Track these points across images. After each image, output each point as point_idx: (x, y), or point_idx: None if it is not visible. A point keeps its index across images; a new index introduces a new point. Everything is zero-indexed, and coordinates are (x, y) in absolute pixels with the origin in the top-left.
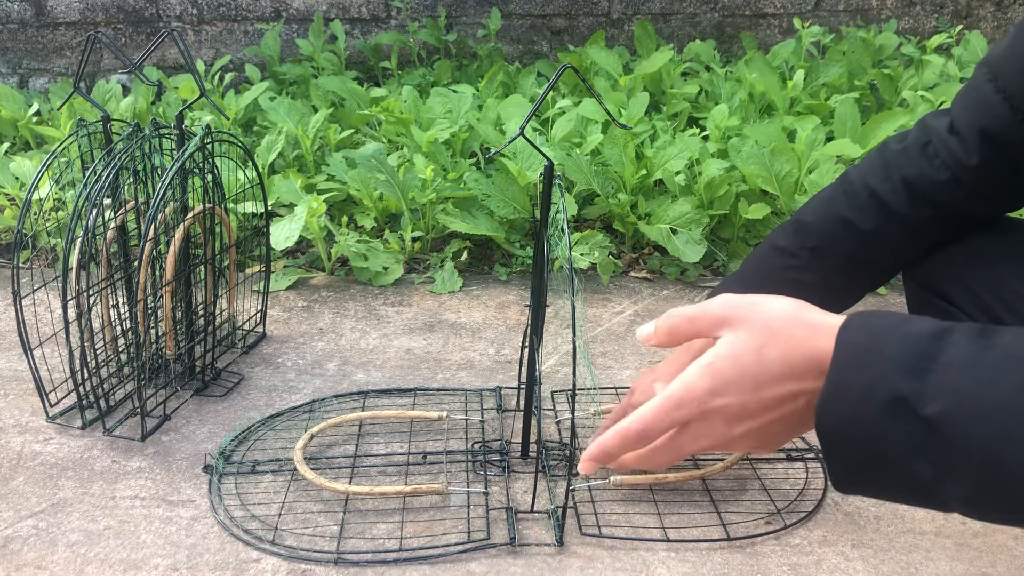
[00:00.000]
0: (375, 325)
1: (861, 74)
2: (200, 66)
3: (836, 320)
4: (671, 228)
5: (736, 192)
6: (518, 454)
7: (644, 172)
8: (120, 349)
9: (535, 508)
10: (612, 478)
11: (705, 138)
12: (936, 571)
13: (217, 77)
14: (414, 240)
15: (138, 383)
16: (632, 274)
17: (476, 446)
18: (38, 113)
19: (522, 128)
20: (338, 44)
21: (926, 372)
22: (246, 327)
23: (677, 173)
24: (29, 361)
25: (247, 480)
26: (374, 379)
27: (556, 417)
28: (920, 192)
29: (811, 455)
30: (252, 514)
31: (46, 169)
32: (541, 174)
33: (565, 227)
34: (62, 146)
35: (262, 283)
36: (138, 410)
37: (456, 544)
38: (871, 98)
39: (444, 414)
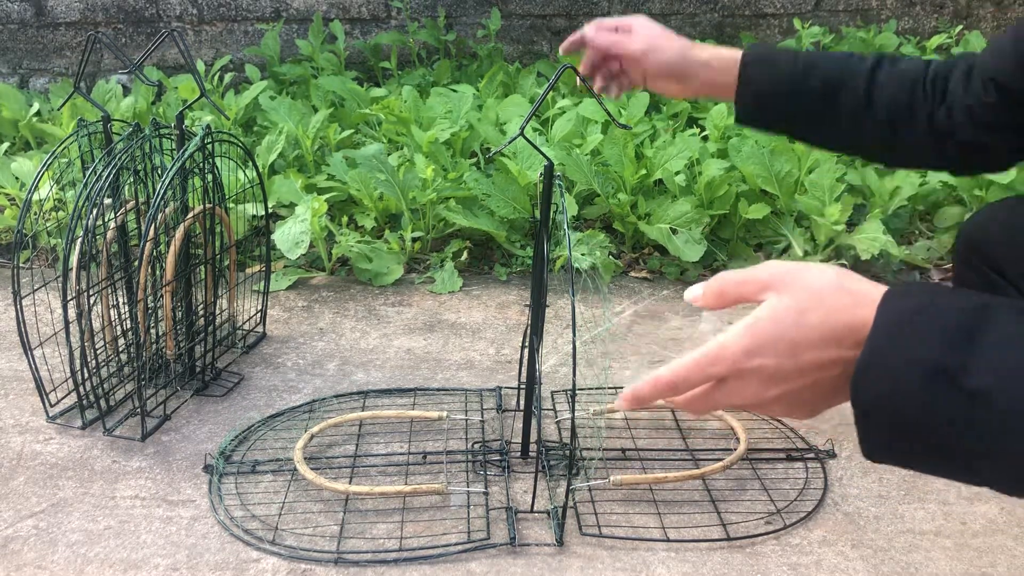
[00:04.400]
0: (375, 325)
1: None
2: (200, 66)
3: (879, 290)
4: (671, 228)
5: (736, 192)
6: (518, 454)
7: (644, 172)
8: (120, 349)
9: (535, 508)
10: (612, 478)
11: (705, 138)
12: (936, 571)
13: (217, 77)
14: (414, 240)
15: (138, 383)
16: (632, 274)
17: (476, 446)
18: (38, 113)
19: (522, 128)
20: (338, 44)
21: (970, 345)
22: (246, 327)
23: (677, 173)
24: (29, 361)
25: (247, 480)
26: (374, 379)
27: (556, 417)
28: (945, 105)
29: (811, 455)
30: (252, 514)
31: (46, 169)
32: (541, 174)
33: (567, 228)
34: (63, 146)
35: (262, 283)
36: (138, 410)
37: (456, 544)
38: None
39: (444, 414)
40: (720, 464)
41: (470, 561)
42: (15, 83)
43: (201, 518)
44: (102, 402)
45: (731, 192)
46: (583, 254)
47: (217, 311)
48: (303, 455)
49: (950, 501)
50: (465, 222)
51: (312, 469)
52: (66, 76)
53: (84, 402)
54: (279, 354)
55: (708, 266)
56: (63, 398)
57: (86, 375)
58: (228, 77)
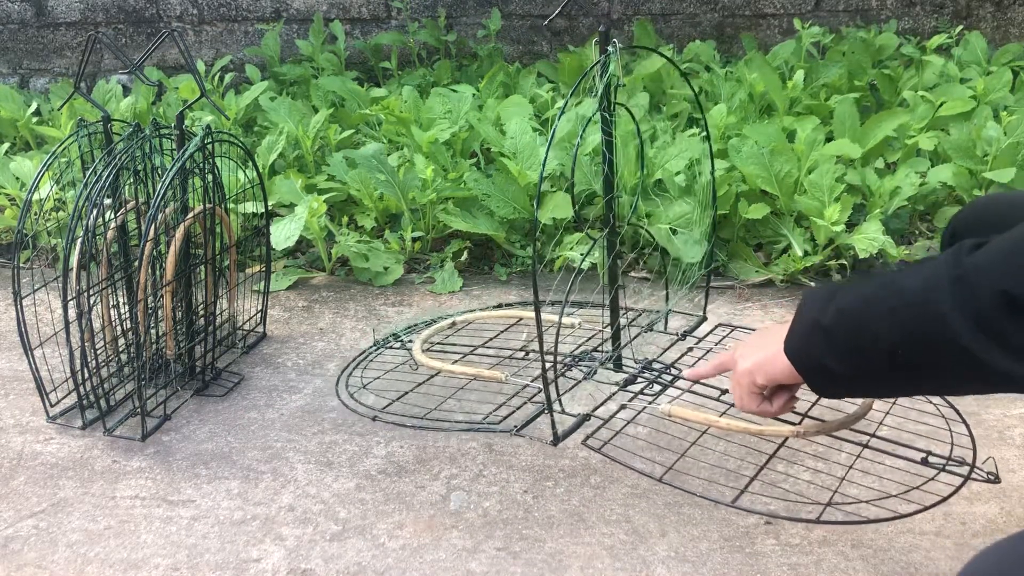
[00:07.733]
0: (375, 325)
1: (861, 74)
2: (200, 66)
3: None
4: (671, 228)
5: (736, 192)
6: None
7: (644, 172)
8: (120, 349)
9: (568, 410)
10: (662, 407)
11: (705, 138)
12: (936, 571)
13: (217, 77)
14: (414, 240)
15: (138, 383)
16: (632, 274)
17: (579, 351)
18: (38, 113)
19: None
20: (338, 44)
21: (827, 304)
22: (246, 327)
23: (677, 173)
24: (29, 361)
25: (392, 352)
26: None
27: (679, 335)
28: None
29: (958, 469)
30: (363, 385)
31: (46, 169)
32: (597, 40)
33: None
34: (63, 146)
35: (262, 283)
36: (138, 410)
37: (465, 423)
38: (871, 98)
39: (578, 321)
40: (789, 428)
41: (470, 561)
42: (15, 83)
43: (201, 518)
44: (102, 402)
45: (731, 192)
46: (582, 254)
47: (217, 311)
48: (435, 338)
49: (950, 501)
50: (464, 226)
51: (432, 351)
52: (66, 76)
53: (84, 402)
54: (279, 354)
55: (708, 266)
56: (63, 398)
57: (86, 375)
58: (228, 77)
